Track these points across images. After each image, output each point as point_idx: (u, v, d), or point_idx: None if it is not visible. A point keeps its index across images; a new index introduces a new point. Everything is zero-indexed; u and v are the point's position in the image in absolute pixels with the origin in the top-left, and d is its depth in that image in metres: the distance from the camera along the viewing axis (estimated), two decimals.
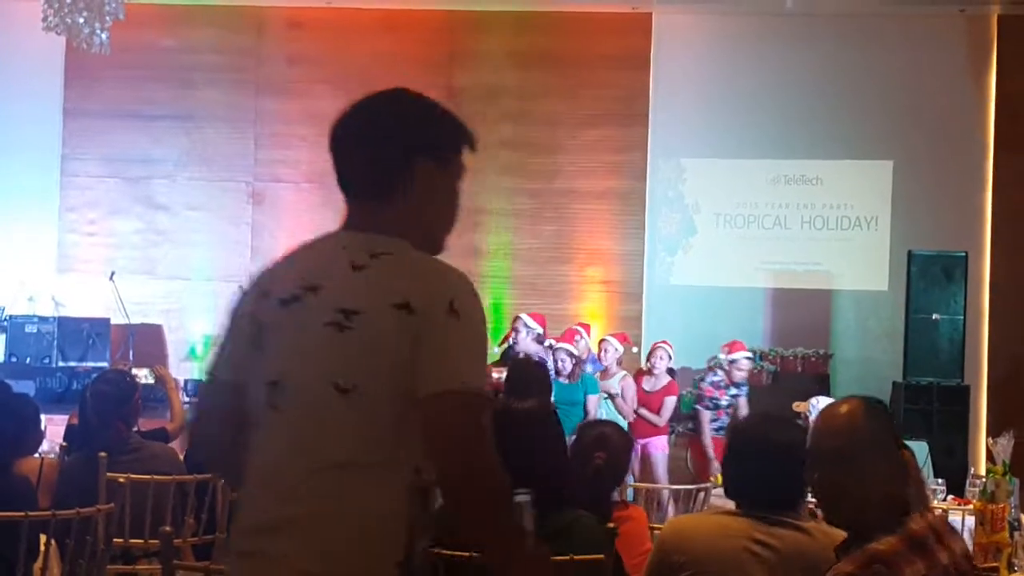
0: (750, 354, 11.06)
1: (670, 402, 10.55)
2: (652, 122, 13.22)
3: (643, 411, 10.53)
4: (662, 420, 10.51)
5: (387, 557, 2.30)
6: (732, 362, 10.67)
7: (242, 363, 2.45)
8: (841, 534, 3.09)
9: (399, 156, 2.50)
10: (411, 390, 2.29)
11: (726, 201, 13.26)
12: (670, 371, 10.79)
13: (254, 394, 2.41)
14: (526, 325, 9.55)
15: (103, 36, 11.19)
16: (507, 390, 5.22)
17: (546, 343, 9.85)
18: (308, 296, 2.39)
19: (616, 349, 10.64)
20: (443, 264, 2.43)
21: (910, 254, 12.06)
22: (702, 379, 10.93)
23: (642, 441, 10.42)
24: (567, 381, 10.03)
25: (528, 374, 5.61)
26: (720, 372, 10.73)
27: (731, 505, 3.61)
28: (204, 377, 2.60)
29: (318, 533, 2.27)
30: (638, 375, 10.79)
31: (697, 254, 13.30)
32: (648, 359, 10.91)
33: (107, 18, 11.04)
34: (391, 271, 2.37)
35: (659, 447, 10.56)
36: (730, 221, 13.27)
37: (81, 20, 10.83)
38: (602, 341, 10.78)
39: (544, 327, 10.01)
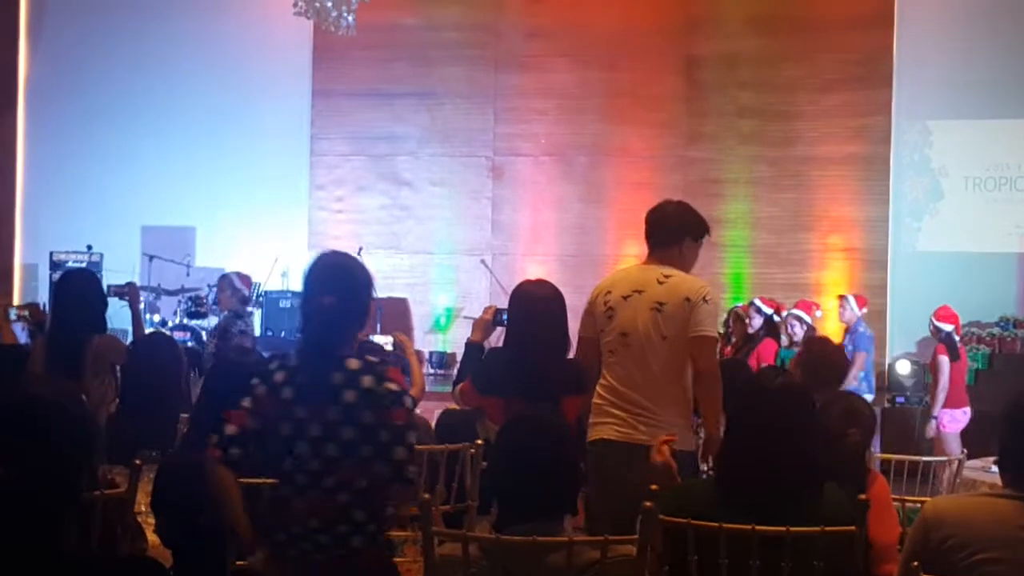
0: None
1: (943, 363, 9.94)
2: (897, 84, 12.81)
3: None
4: (939, 386, 9.92)
5: (686, 413, 5.00)
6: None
7: (599, 325, 5.06)
8: None
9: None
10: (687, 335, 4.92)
11: (976, 163, 12.76)
12: (942, 334, 10.29)
13: (609, 338, 5.01)
14: (231, 284, 9.10)
15: (349, 18, 11.56)
16: (803, 373, 5.26)
17: (248, 306, 9.41)
18: (635, 295, 4.99)
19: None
20: (699, 280, 5.08)
21: None
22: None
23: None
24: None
25: (826, 360, 5.52)
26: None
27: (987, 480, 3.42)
28: (581, 333, 5.18)
29: (668, 399, 4.92)
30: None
31: (945, 219, 12.86)
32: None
33: (353, 1, 11.41)
34: (679, 283, 4.98)
35: (945, 423, 9.89)
36: (980, 184, 12.78)
37: (329, 4, 11.22)
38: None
39: (249, 288, 9.54)
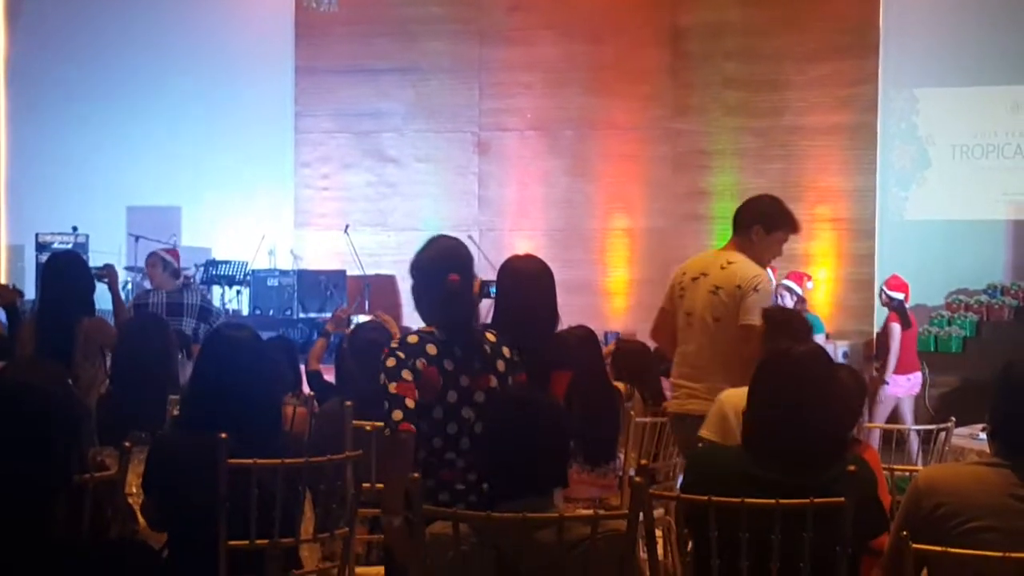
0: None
1: (894, 330, 10.28)
2: (883, 52, 12.76)
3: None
4: (891, 352, 10.25)
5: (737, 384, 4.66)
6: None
7: (675, 302, 5.56)
8: None
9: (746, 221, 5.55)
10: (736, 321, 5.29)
11: (963, 131, 12.75)
12: (894, 302, 10.51)
13: (679, 316, 5.49)
14: (162, 260, 9.20)
15: None
16: (768, 335, 5.36)
17: (182, 279, 9.55)
18: (702, 277, 5.44)
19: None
20: (756, 268, 5.39)
21: None
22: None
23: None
24: None
25: (787, 322, 5.57)
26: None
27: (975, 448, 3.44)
28: (662, 304, 5.70)
29: (713, 375, 5.26)
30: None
31: (932, 188, 12.86)
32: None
33: None
34: (736, 270, 5.35)
35: (892, 389, 10.25)
36: (967, 152, 12.78)
37: None
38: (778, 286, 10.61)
39: (178, 261, 9.66)
